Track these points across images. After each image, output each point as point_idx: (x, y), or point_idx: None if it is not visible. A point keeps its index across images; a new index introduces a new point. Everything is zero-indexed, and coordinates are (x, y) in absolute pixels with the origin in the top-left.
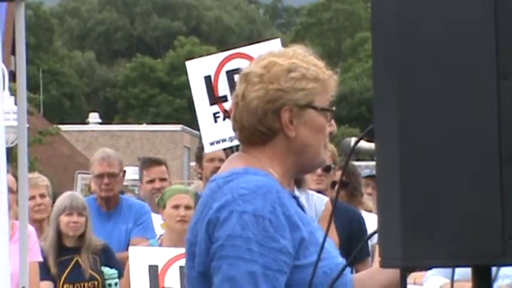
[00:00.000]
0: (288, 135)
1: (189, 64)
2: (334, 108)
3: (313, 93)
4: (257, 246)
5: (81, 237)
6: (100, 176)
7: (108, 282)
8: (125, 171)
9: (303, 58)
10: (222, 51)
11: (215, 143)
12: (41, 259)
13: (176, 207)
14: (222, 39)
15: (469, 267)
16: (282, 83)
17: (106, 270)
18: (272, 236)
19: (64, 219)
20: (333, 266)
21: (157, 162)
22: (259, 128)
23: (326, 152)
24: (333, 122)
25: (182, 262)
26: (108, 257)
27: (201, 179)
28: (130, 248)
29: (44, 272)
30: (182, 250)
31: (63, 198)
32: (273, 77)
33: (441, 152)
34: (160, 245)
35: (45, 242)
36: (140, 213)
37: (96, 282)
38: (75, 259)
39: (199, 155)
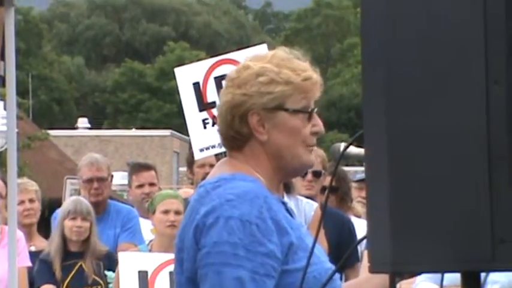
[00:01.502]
0: (259, 139)
1: (177, 71)
2: (311, 109)
3: (282, 96)
4: (244, 251)
5: (86, 242)
6: (89, 180)
7: (111, 286)
8: (112, 176)
9: (280, 61)
10: (211, 56)
11: (205, 149)
12: (29, 264)
13: (166, 212)
14: (211, 44)
15: (458, 272)
16: (248, 87)
17: (109, 274)
18: (259, 240)
19: (68, 223)
20: (322, 271)
21: (146, 167)
22: (230, 133)
23: (312, 153)
24: (319, 121)
25: (172, 268)
26: (112, 262)
27: (192, 184)
28: (120, 253)
29: (49, 275)
30: (172, 255)
31: (68, 203)
32: (242, 81)
33: (430, 156)
34: (150, 251)
35: (50, 246)
36: (128, 218)
37: (99, 287)
38: (79, 264)
39: (190, 161)
